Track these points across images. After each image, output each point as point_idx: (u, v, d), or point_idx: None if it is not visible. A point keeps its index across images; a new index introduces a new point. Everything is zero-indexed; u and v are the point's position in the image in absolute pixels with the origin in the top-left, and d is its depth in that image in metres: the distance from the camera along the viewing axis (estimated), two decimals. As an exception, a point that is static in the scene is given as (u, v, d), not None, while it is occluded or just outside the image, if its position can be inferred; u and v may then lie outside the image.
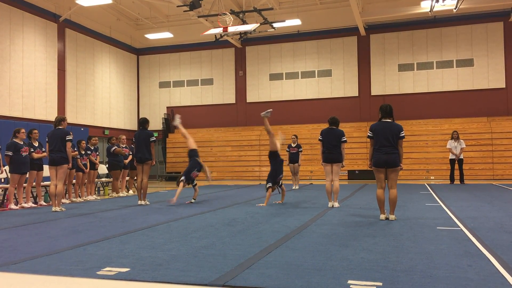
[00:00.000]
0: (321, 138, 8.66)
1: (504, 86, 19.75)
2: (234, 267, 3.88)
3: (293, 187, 13.92)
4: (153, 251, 4.60)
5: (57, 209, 8.67)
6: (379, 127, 6.71)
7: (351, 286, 3.29)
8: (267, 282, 3.40)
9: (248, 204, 9.46)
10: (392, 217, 6.72)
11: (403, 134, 6.69)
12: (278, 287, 3.28)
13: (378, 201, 6.76)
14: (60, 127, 8.87)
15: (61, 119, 8.98)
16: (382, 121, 6.78)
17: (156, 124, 23.75)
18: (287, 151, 13.91)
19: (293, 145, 13.76)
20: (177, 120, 10.82)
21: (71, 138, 8.85)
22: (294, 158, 13.70)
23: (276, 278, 3.52)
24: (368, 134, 6.88)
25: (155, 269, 3.84)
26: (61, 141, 8.70)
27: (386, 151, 6.57)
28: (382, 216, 6.70)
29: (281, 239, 5.22)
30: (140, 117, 24.55)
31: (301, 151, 13.86)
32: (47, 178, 11.13)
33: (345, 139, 8.52)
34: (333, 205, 8.50)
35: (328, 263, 3.97)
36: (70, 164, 8.97)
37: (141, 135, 9.59)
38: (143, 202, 9.66)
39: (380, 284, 3.32)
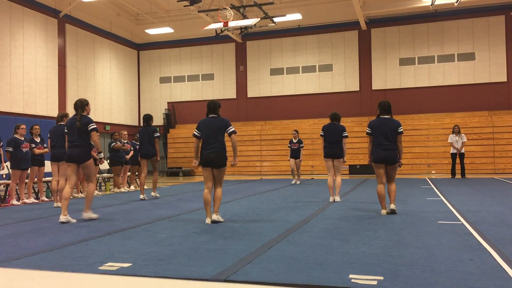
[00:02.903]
0: (322, 134, 8.67)
1: (506, 80, 19.69)
2: (235, 262, 3.89)
3: (293, 182, 13.88)
4: (155, 246, 4.61)
5: (59, 204, 8.68)
6: (378, 124, 6.80)
7: (352, 280, 3.29)
8: (268, 277, 3.40)
9: (249, 199, 9.47)
10: (392, 206, 6.78)
11: (401, 130, 6.76)
12: (280, 282, 3.29)
13: (379, 196, 6.80)
14: (62, 123, 8.89)
15: (63, 115, 9.03)
16: (381, 118, 6.85)
17: (157, 119, 23.67)
18: (288, 146, 13.88)
19: (294, 141, 13.67)
20: None
21: None
22: (295, 154, 13.63)
23: (277, 272, 3.52)
24: (367, 130, 6.96)
25: (156, 264, 3.85)
26: (62, 137, 8.70)
27: (385, 147, 6.67)
28: (383, 211, 6.72)
29: (282, 233, 5.23)
30: (141, 112, 24.72)
31: (303, 146, 13.78)
32: (48, 174, 11.14)
33: (346, 134, 8.58)
34: (334, 199, 8.51)
35: (330, 258, 3.98)
36: None
37: (146, 131, 9.70)
38: (154, 194, 10.08)
39: (381, 278, 3.32)
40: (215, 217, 6.20)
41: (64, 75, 19.30)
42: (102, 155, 7.14)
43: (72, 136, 6.77)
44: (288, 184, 13.61)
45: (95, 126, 6.83)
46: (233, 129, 6.28)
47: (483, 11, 19.83)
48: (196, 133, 6.30)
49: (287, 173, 20.03)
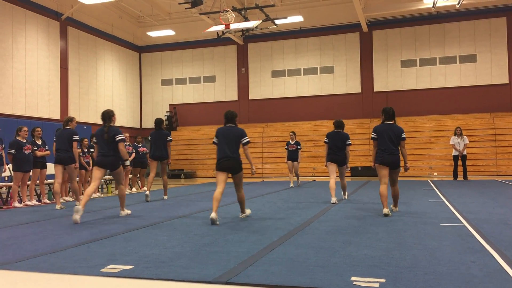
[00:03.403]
0: (326, 141, 8.97)
1: (508, 82, 19.66)
2: (237, 264, 3.89)
3: (291, 185, 13.65)
4: (157, 249, 4.61)
5: (78, 203, 8.99)
6: (383, 129, 7.03)
7: (354, 282, 3.29)
8: (270, 279, 3.40)
9: (251, 201, 9.46)
10: (395, 209, 7.23)
11: (404, 136, 7.08)
12: (282, 284, 3.28)
13: (381, 196, 6.89)
14: (68, 127, 9.08)
15: (69, 119, 9.22)
16: (385, 123, 7.09)
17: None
18: (286, 148, 13.61)
19: (292, 142, 13.35)
20: None
21: (77, 138, 9.11)
22: (293, 156, 13.32)
23: (279, 275, 3.52)
24: (372, 135, 7.17)
25: (158, 267, 3.85)
26: (68, 141, 8.95)
27: (391, 152, 6.92)
28: (385, 210, 6.80)
29: (284, 236, 5.22)
30: (143, 114, 24.76)
31: (300, 148, 13.46)
32: (50, 176, 11.17)
33: (350, 142, 8.98)
34: (335, 200, 8.65)
35: (331, 260, 3.97)
36: (77, 164, 9.27)
37: (159, 134, 10.10)
38: (165, 197, 10.39)
39: (384, 280, 3.32)
40: (243, 216, 6.93)
41: (66, 77, 19.34)
42: (128, 162, 7.68)
43: (101, 146, 7.21)
44: (284, 188, 13.48)
45: (122, 137, 7.28)
46: (247, 140, 6.72)
47: (484, 13, 19.82)
48: (215, 141, 6.74)
49: (283, 175, 20.01)
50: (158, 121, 10.26)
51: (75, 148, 8.98)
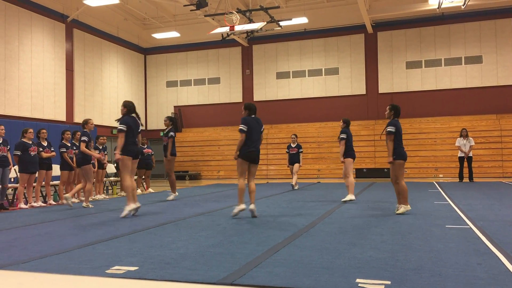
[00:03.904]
0: (344, 137, 9.23)
1: (514, 83, 19.57)
2: (242, 265, 3.89)
3: (295, 187, 13.57)
4: (162, 250, 4.62)
5: (85, 205, 9.31)
6: (398, 125, 7.28)
7: (359, 284, 3.28)
8: (275, 281, 3.40)
9: (256, 203, 9.44)
10: (400, 207, 7.42)
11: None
12: (286, 286, 3.28)
13: (405, 192, 7.10)
14: (84, 130, 9.43)
15: (84, 122, 9.61)
16: (397, 120, 7.34)
17: (163, 123, 23.76)
18: (286, 152, 13.46)
19: (293, 145, 13.20)
20: None
21: (84, 139, 9.29)
22: (294, 159, 13.14)
23: (284, 276, 3.52)
24: (392, 130, 7.16)
25: (163, 268, 3.85)
26: (88, 141, 9.37)
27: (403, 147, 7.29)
28: (409, 206, 7.08)
29: (289, 237, 5.22)
30: (148, 116, 24.81)
31: (302, 151, 13.27)
32: (56, 178, 11.22)
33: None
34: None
35: (336, 262, 3.96)
36: (94, 160, 9.87)
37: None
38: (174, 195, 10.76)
39: (389, 282, 3.30)
40: (253, 206, 7.01)
41: (72, 79, 19.43)
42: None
43: (132, 135, 7.59)
44: (287, 190, 13.37)
45: None
46: (263, 129, 7.25)
47: (490, 14, 19.73)
48: (244, 129, 6.90)
49: (286, 177, 19.96)
50: (174, 119, 10.96)
51: (82, 148, 9.17)
